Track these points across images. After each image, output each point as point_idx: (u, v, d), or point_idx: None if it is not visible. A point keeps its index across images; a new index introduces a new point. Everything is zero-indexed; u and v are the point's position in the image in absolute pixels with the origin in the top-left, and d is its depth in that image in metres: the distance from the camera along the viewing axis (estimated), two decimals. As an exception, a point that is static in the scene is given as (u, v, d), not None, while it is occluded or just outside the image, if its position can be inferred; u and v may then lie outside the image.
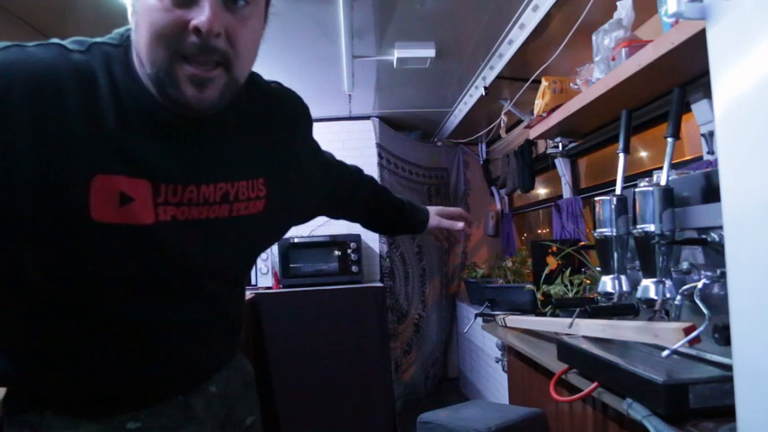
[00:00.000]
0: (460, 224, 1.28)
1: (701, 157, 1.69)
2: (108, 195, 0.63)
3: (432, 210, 1.27)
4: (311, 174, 0.95)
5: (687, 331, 0.91)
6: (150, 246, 0.68)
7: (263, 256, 3.29)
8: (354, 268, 3.46)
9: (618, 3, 1.72)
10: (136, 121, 0.66)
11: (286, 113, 0.88)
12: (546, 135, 2.49)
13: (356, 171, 1.16)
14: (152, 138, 0.67)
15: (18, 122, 0.59)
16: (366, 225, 1.27)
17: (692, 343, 0.91)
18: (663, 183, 1.10)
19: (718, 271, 0.96)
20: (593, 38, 1.80)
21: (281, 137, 0.85)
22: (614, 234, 1.23)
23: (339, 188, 1.09)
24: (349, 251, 3.47)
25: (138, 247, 0.67)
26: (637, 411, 0.91)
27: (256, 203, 0.79)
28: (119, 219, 0.64)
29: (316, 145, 1.00)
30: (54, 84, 0.61)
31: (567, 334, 1.30)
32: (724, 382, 0.84)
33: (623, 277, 1.24)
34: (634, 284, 1.19)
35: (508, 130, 3.07)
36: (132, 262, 0.68)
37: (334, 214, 1.18)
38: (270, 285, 3.37)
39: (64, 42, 0.66)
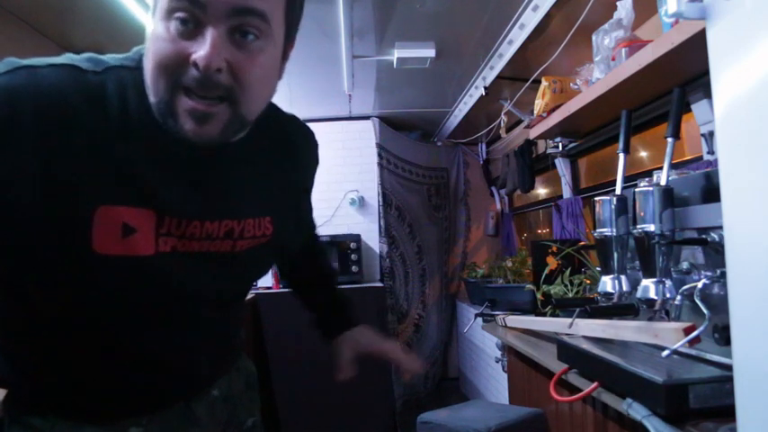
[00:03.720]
0: (417, 365, 1.07)
1: (700, 157, 1.69)
2: (111, 227, 0.62)
3: (363, 335, 1.06)
4: (302, 211, 0.95)
5: (687, 331, 0.91)
6: (149, 276, 0.67)
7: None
8: (354, 268, 3.46)
9: (618, 3, 1.72)
10: (146, 151, 0.65)
11: (301, 154, 0.87)
12: (546, 135, 2.49)
13: (315, 235, 1.12)
14: (161, 169, 0.66)
15: (25, 151, 0.58)
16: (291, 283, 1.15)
17: (691, 343, 0.91)
18: (663, 183, 1.10)
19: (718, 271, 0.96)
20: (593, 38, 1.80)
21: (291, 174, 0.84)
22: (614, 234, 1.23)
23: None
24: (349, 251, 3.47)
25: (137, 277, 0.66)
26: (637, 411, 0.91)
27: (263, 241, 0.78)
28: (120, 251, 0.63)
29: (311, 186, 0.97)
30: (63, 111, 0.60)
31: (567, 334, 1.30)
32: (724, 382, 0.84)
33: (623, 277, 1.24)
34: (634, 284, 1.19)
35: (508, 130, 3.06)
36: (130, 290, 0.67)
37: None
38: (270, 285, 3.37)
39: (78, 62, 0.64)
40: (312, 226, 1.10)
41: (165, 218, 0.66)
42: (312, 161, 0.93)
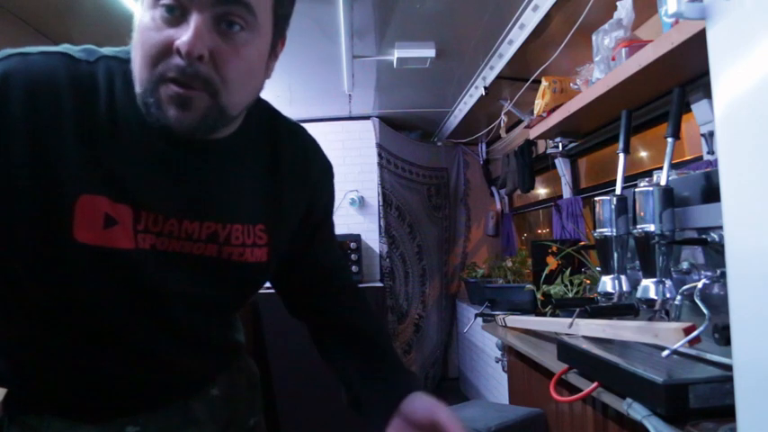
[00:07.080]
0: None
1: (700, 157, 1.69)
2: (92, 216, 0.62)
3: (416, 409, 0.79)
4: (300, 236, 0.86)
5: (687, 331, 0.91)
6: (129, 271, 0.66)
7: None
8: (354, 268, 3.46)
9: (618, 3, 1.72)
10: (127, 144, 0.65)
11: (308, 168, 0.83)
12: (546, 135, 2.49)
13: (347, 281, 1.01)
14: (140, 163, 0.66)
15: (15, 134, 0.58)
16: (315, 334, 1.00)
17: (691, 343, 0.91)
18: (663, 183, 1.10)
19: (718, 271, 0.96)
20: (593, 38, 1.80)
21: (290, 187, 0.80)
22: (614, 234, 1.23)
23: (303, 263, 0.92)
24: (349, 251, 3.47)
25: (117, 271, 0.66)
26: (637, 411, 0.91)
27: (256, 251, 0.75)
28: (100, 241, 0.63)
29: (327, 216, 0.91)
30: (51, 94, 0.60)
31: (567, 334, 1.30)
32: (724, 382, 0.85)
33: (623, 277, 1.24)
34: (634, 284, 1.19)
35: (508, 130, 3.07)
36: (112, 284, 0.67)
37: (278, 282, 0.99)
38: (270, 285, 3.37)
39: (72, 51, 0.65)
40: (335, 263, 0.98)
41: (142, 213, 0.66)
42: (322, 181, 0.86)
